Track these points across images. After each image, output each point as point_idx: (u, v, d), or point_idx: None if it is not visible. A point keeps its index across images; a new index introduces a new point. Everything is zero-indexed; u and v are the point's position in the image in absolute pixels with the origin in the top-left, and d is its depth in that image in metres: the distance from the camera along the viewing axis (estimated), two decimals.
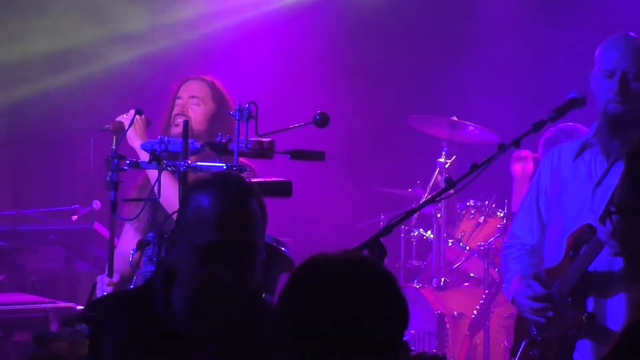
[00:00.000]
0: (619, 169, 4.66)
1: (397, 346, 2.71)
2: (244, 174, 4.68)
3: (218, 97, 5.84)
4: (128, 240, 5.77)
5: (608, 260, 4.62)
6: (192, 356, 3.41)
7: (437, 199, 5.06)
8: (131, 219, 5.46)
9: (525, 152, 7.81)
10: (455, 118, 8.41)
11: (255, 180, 4.79)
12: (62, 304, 6.45)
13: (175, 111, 5.78)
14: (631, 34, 4.86)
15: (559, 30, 9.23)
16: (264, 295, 4.80)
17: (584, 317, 4.65)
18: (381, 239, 4.16)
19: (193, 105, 5.80)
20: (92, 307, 3.68)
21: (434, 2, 9.70)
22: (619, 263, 4.58)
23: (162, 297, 3.48)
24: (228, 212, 3.40)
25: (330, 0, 10.06)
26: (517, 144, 4.54)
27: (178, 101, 5.85)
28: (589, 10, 8.88)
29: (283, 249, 4.86)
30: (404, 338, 2.90)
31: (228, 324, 3.46)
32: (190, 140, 4.78)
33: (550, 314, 4.74)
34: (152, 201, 5.21)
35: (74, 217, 7.88)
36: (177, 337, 3.43)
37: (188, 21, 9.70)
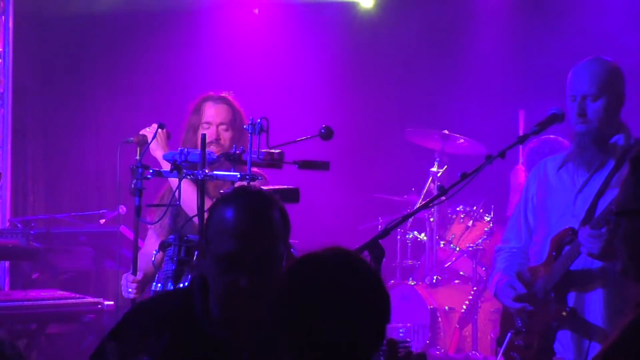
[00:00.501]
0: (599, 178, 4.69)
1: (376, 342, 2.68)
2: (256, 182, 4.69)
3: (238, 117, 5.82)
4: (151, 242, 5.77)
5: (588, 260, 4.62)
6: None
7: (431, 204, 5.09)
8: (154, 223, 5.46)
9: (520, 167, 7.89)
10: (446, 131, 8.42)
11: (266, 187, 4.79)
12: (90, 299, 6.44)
13: (208, 138, 5.69)
14: (596, 58, 4.87)
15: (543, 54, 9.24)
16: None
17: (565, 311, 4.66)
18: (380, 241, 4.14)
19: (223, 131, 5.78)
20: (132, 322, 3.50)
21: (430, 28, 9.65)
22: (597, 263, 4.60)
23: (201, 306, 3.40)
24: (247, 222, 3.32)
25: (332, 21, 10.04)
26: (502, 155, 4.56)
27: (209, 127, 5.80)
28: (572, 36, 8.86)
29: (291, 250, 4.86)
30: (401, 331, 2.90)
31: (256, 330, 3.31)
32: (207, 152, 4.79)
33: (530, 308, 4.76)
34: (173, 207, 5.21)
35: (102, 221, 7.88)
36: (214, 345, 3.35)
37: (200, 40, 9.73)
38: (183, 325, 3.38)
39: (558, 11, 9.25)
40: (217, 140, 5.73)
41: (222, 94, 5.91)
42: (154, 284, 5.09)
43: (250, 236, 3.30)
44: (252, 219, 3.33)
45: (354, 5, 10.11)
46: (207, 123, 5.80)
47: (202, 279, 3.42)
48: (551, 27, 9.25)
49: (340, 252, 2.74)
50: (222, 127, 5.78)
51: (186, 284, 4.77)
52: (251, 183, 4.63)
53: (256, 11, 10.23)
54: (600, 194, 4.63)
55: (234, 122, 5.77)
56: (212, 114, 5.82)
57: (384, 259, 4.14)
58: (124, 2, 9.38)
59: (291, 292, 2.69)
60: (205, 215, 4.18)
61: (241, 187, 3.80)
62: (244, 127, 4.74)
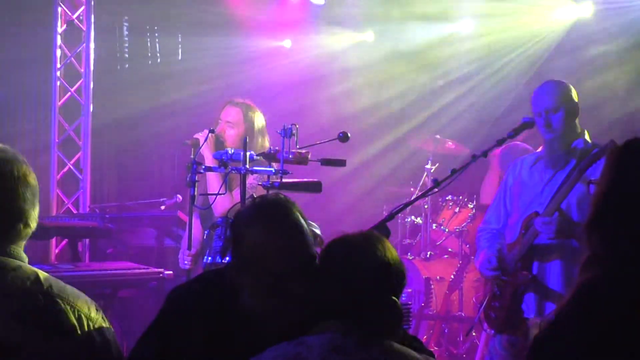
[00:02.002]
0: (562, 175, 4.71)
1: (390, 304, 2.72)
2: (287, 176, 4.69)
3: (250, 118, 5.80)
4: (197, 224, 5.78)
5: (547, 237, 4.65)
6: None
7: (427, 194, 5.09)
8: (205, 209, 5.47)
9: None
10: (438, 136, 8.42)
11: (295, 180, 4.78)
12: (154, 270, 6.45)
13: (217, 131, 5.73)
14: (549, 81, 4.93)
15: None
16: None
17: (529, 278, 4.68)
18: (386, 224, 4.16)
19: (228, 128, 5.78)
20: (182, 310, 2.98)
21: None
22: (554, 239, 4.62)
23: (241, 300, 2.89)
24: (282, 244, 2.82)
25: (348, 53, 10.06)
26: (485, 154, 4.61)
27: (219, 123, 5.83)
28: None
29: (315, 229, 4.85)
30: (403, 296, 2.91)
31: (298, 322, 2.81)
32: (248, 151, 4.79)
33: (504, 277, 4.77)
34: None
35: (162, 207, 7.88)
36: (249, 326, 2.86)
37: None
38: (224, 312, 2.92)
39: None
40: (221, 135, 5.75)
41: (239, 100, 5.90)
42: (205, 257, 5.11)
43: (293, 253, 2.83)
44: (287, 238, 2.85)
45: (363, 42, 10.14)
46: (220, 119, 5.83)
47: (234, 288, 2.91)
48: None
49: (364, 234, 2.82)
50: (228, 124, 5.78)
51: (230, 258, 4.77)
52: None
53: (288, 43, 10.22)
54: (561, 187, 4.65)
55: (242, 123, 5.77)
56: (225, 113, 5.83)
57: (389, 238, 4.15)
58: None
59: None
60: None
61: (261, 202, 3.00)
62: (277, 131, 4.72)
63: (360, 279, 2.69)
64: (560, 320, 2.43)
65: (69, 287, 2.62)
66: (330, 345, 2.61)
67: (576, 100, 4.82)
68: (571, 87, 4.85)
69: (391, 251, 2.79)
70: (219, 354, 2.87)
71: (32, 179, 2.64)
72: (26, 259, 2.62)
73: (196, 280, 3.21)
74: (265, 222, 2.88)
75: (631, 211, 2.45)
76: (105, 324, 2.64)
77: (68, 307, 2.56)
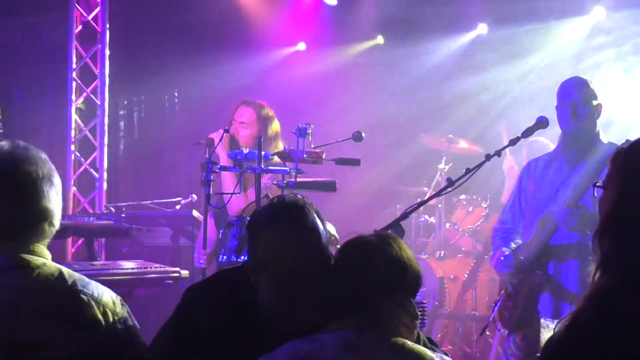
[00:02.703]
0: (577, 173, 4.69)
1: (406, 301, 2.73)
2: (302, 175, 4.69)
3: (263, 119, 5.79)
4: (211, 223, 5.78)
5: (565, 236, 4.63)
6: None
7: (442, 193, 5.06)
8: (220, 207, 5.46)
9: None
10: (451, 135, 8.40)
11: (310, 179, 4.78)
12: (169, 268, 6.45)
13: (231, 131, 5.73)
14: (578, 77, 4.90)
15: None
16: None
17: (545, 277, 4.66)
18: (400, 223, 4.15)
19: (242, 129, 5.76)
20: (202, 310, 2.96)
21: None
22: (570, 239, 4.60)
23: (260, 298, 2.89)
24: (299, 244, 2.82)
25: (362, 59, 10.06)
26: (499, 154, 4.54)
27: (233, 123, 5.82)
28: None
29: (330, 228, 4.85)
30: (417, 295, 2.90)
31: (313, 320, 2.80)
32: (263, 151, 4.79)
33: (520, 276, 4.74)
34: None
35: (178, 206, 7.90)
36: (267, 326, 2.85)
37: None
38: (240, 308, 2.91)
39: None
40: (235, 134, 5.74)
41: (253, 100, 5.90)
42: (221, 256, 5.10)
43: (308, 254, 2.83)
44: (303, 240, 2.84)
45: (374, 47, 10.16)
46: (234, 120, 5.82)
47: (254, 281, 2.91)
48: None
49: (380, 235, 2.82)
50: (242, 125, 5.77)
51: (245, 257, 4.77)
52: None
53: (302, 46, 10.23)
54: (577, 185, 4.63)
55: (255, 124, 5.76)
56: (239, 113, 5.82)
57: (403, 237, 4.14)
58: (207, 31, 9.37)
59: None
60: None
61: (280, 204, 2.98)
62: (292, 131, 4.72)
63: (375, 279, 2.68)
64: (575, 324, 2.40)
65: (93, 283, 2.63)
66: (344, 343, 2.59)
67: (599, 100, 4.81)
68: (595, 87, 4.84)
69: (406, 251, 2.78)
70: (233, 351, 2.87)
71: (56, 178, 2.66)
72: (50, 257, 2.63)
73: (211, 278, 3.23)
74: (282, 222, 2.88)
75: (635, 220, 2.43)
76: (130, 319, 2.66)
77: (93, 302, 2.57)
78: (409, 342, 2.66)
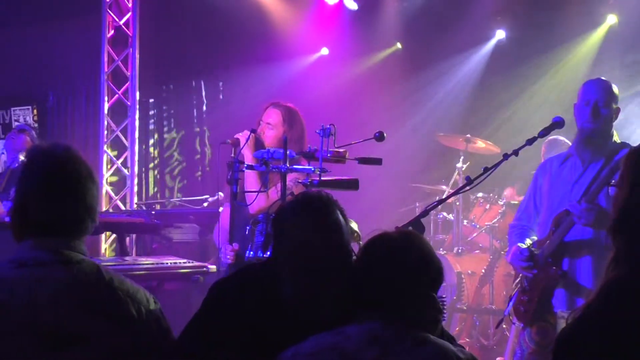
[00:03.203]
0: (591, 172, 4.67)
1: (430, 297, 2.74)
2: (326, 174, 4.68)
3: (289, 120, 5.77)
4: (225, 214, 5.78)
5: (579, 233, 4.59)
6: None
7: (461, 191, 5.07)
8: (248, 205, 5.46)
9: None
10: (469, 135, 8.38)
11: (333, 178, 4.77)
12: (197, 263, 6.47)
13: (257, 132, 5.72)
14: (601, 78, 4.87)
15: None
16: None
17: (560, 273, 4.64)
18: (420, 220, 4.15)
19: (267, 129, 5.74)
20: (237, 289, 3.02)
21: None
22: (587, 235, 4.58)
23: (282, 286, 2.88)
24: (322, 240, 2.86)
25: (383, 56, 10.05)
26: (516, 153, 4.56)
27: (261, 124, 5.80)
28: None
29: (353, 224, 4.84)
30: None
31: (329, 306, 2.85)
32: (288, 150, 4.79)
33: (535, 271, 4.73)
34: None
35: (205, 204, 7.92)
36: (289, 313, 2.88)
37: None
38: (266, 299, 2.93)
39: None
40: (260, 135, 5.73)
41: (282, 103, 5.88)
42: (247, 252, 5.10)
43: (330, 247, 2.86)
44: (327, 232, 2.88)
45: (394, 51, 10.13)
46: (262, 120, 5.81)
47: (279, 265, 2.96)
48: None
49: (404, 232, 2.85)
50: (268, 126, 5.75)
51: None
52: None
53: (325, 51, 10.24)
54: (591, 184, 4.61)
55: (280, 126, 5.73)
56: (266, 114, 5.80)
57: (423, 233, 4.14)
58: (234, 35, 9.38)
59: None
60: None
61: (305, 198, 3.06)
62: (316, 132, 4.72)
63: (402, 274, 2.70)
64: (586, 315, 2.43)
65: (127, 281, 2.66)
66: (369, 336, 2.60)
67: (618, 104, 4.80)
68: (617, 91, 4.82)
69: (428, 247, 2.80)
70: (259, 344, 2.88)
71: (96, 176, 2.70)
72: (87, 253, 2.66)
73: (238, 272, 3.23)
74: (307, 217, 2.91)
75: None
76: (161, 315, 2.68)
77: (128, 299, 2.60)
78: (431, 336, 2.66)
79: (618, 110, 4.78)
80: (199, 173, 9.69)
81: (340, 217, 2.94)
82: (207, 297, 3.05)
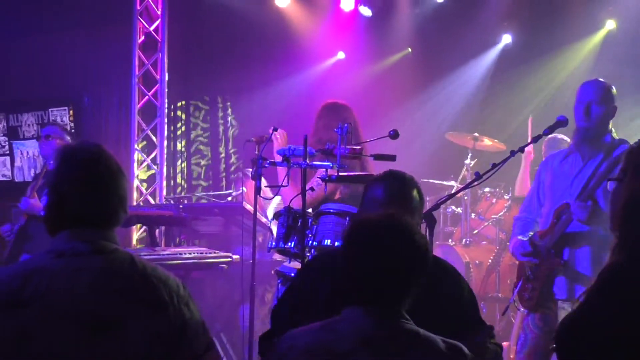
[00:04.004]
0: (590, 167, 4.67)
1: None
2: (343, 169, 4.68)
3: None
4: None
5: (579, 225, 4.60)
6: None
7: (470, 186, 5.08)
8: (269, 199, 5.46)
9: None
10: (477, 134, 8.35)
11: (350, 173, 4.77)
12: (222, 254, 6.49)
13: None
14: (597, 79, 4.86)
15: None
16: None
17: (561, 263, 4.64)
18: (432, 213, 4.15)
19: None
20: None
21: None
22: (583, 227, 4.59)
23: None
24: (393, 198, 3.21)
25: (396, 60, 10.03)
26: (522, 150, 4.61)
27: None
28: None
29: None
30: None
31: None
32: (308, 148, 4.78)
33: (537, 261, 4.73)
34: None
35: (229, 198, 7.93)
36: None
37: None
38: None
39: None
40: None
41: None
42: (270, 242, 5.11)
43: (396, 208, 3.01)
44: (396, 196, 3.22)
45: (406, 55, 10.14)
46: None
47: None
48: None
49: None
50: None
51: (292, 244, 4.77)
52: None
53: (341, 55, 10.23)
54: (590, 178, 4.61)
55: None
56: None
57: (435, 226, 4.14)
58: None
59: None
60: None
61: (389, 171, 3.46)
62: (335, 130, 4.71)
63: (400, 265, 2.58)
64: (587, 300, 2.44)
65: (159, 268, 2.67)
66: (361, 337, 2.54)
67: (615, 103, 4.77)
68: (615, 90, 4.79)
69: (420, 233, 2.69)
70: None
71: (124, 170, 2.72)
72: (119, 242, 2.67)
73: (314, 258, 3.74)
74: (385, 183, 3.26)
75: None
76: (191, 300, 2.69)
77: (161, 285, 2.60)
78: (422, 331, 2.60)
79: (615, 109, 4.76)
80: (224, 168, 9.69)
81: (414, 196, 3.33)
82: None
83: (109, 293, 2.51)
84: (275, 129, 5.45)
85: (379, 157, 4.78)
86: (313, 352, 2.57)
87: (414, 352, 2.54)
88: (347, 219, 4.69)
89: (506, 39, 9.49)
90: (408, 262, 2.58)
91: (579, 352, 2.36)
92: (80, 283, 2.49)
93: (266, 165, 4.98)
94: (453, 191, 7.16)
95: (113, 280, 2.54)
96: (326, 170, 4.70)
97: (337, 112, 5.53)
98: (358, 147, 4.68)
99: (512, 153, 4.53)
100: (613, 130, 4.79)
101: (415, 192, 3.29)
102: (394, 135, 4.79)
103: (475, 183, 4.58)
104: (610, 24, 8.85)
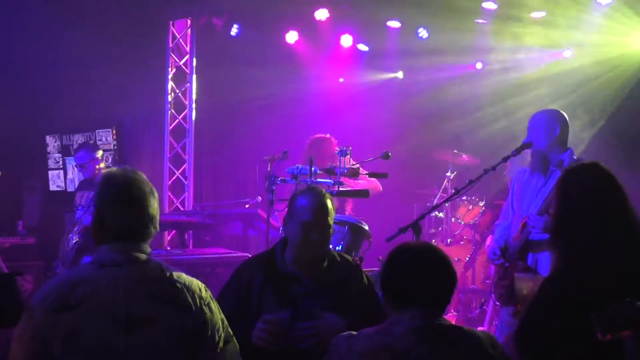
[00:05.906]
0: (551, 182, 4.61)
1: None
2: (343, 185, 4.67)
3: (312, 148, 5.76)
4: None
5: (539, 234, 4.54)
6: (295, 289, 3.37)
7: (450, 199, 5.05)
8: (280, 211, 5.45)
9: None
10: (455, 151, 8.33)
11: (348, 188, 4.76)
12: (241, 253, 6.48)
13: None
14: (542, 110, 4.78)
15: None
16: (353, 253, 4.77)
17: (524, 266, 4.61)
18: (418, 222, 4.14)
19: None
20: (246, 265, 3.61)
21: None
22: (544, 235, 4.54)
23: (280, 254, 3.46)
24: (317, 206, 3.39)
25: (389, 83, 10.01)
26: (494, 168, 4.54)
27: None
28: None
29: (364, 225, 4.83)
30: None
31: (318, 269, 3.42)
32: (313, 167, 4.78)
33: (506, 264, 4.70)
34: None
35: (247, 206, 7.91)
36: (287, 278, 3.40)
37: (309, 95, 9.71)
38: (271, 266, 3.43)
39: None
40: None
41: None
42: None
43: (320, 213, 3.38)
44: (319, 204, 3.40)
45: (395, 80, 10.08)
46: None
47: (283, 240, 3.51)
48: None
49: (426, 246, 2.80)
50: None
51: None
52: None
53: (341, 80, 10.22)
54: (548, 195, 4.57)
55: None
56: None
57: (421, 231, 4.13)
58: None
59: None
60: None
61: (310, 186, 3.75)
62: (336, 152, 4.70)
63: (445, 278, 2.69)
64: (530, 306, 2.69)
65: (183, 274, 2.71)
66: (417, 335, 2.56)
67: (565, 126, 4.69)
68: (565, 116, 4.72)
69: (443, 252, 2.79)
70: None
71: (156, 192, 2.76)
72: (151, 253, 2.71)
73: (248, 260, 3.70)
74: (309, 195, 3.45)
75: (574, 223, 2.74)
76: (212, 300, 2.73)
77: (185, 289, 2.64)
78: (464, 327, 2.67)
79: (564, 130, 4.65)
80: (243, 181, 9.67)
81: (329, 205, 3.47)
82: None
83: (142, 297, 2.55)
84: (286, 152, 5.45)
85: (373, 175, 4.79)
86: (375, 354, 2.55)
87: (461, 342, 2.57)
88: (346, 228, 4.68)
89: (479, 65, 9.44)
90: (448, 275, 2.69)
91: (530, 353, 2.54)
92: (117, 289, 2.54)
93: (278, 182, 4.98)
94: (435, 202, 7.16)
95: (145, 286, 2.58)
96: (328, 187, 4.69)
97: (322, 143, 6.13)
98: (355, 166, 4.67)
99: (485, 171, 4.50)
100: (571, 150, 4.72)
101: (329, 201, 3.46)
102: (385, 156, 4.79)
103: (454, 197, 4.56)
104: (568, 53, 8.69)
